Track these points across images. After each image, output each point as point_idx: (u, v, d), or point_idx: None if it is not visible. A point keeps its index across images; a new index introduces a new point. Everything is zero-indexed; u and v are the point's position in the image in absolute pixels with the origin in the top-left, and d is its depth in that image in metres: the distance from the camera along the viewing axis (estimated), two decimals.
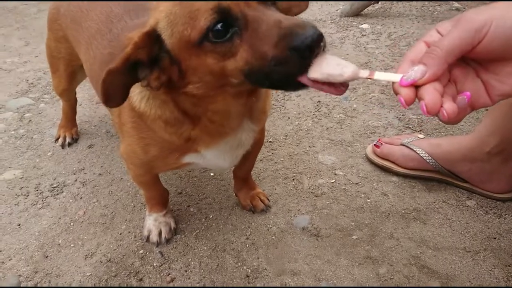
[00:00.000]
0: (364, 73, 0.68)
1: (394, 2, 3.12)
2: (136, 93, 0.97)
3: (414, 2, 3.12)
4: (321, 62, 0.68)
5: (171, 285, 1.24)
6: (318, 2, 3.25)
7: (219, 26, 0.72)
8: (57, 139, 1.86)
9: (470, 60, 0.70)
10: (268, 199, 1.49)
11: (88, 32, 1.33)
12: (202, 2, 0.72)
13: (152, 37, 0.79)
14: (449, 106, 0.64)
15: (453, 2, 3.09)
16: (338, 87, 0.70)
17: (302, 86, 0.71)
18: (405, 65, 0.70)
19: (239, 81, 0.79)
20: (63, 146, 1.83)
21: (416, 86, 0.66)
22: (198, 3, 0.73)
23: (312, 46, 0.67)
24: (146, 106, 0.96)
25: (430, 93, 0.64)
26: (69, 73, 1.59)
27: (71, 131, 1.86)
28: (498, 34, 0.62)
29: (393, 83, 0.68)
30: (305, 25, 0.67)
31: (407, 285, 1.22)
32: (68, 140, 1.84)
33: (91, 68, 1.33)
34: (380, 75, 0.68)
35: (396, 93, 0.68)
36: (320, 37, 0.67)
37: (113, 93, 0.83)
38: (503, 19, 0.61)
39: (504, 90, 0.68)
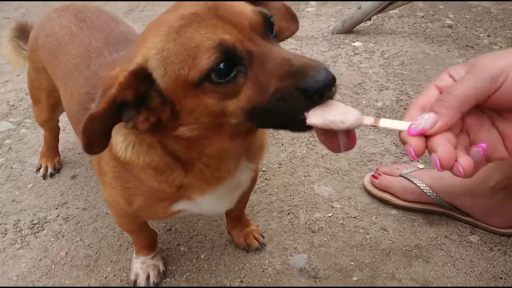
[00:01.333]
0: (369, 121, 0.62)
1: (386, 18, 3.09)
2: (120, 141, 0.87)
3: (407, 18, 3.09)
4: (323, 107, 0.62)
5: None
6: (309, 18, 3.20)
7: (222, 65, 0.65)
8: (38, 169, 1.75)
9: (485, 108, 0.64)
10: (262, 236, 1.41)
11: (65, 67, 1.24)
12: (201, 39, 0.65)
13: (140, 76, 0.69)
14: (464, 161, 0.57)
15: (445, 19, 3.07)
16: (334, 142, 0.65)
17: (309, 127, 0.64)
18: (414, 111, 0.63)
19: (239, 122, 0.71)
20: (44, 176, 1.73)
21: (426, 136, 0.60)
22: (197, 40, 0.65)
23: (322, 91, 0.61)
24: (133, 154, 0.86)
25: (443, 145, 0.58)
26: (50, 104, 1.50)
27: (53, 161, 1.76)
28: None
29: (400, 132, 0.61)
30: (317, 66, 0.62)
31: None
32: (50, 170, 1.74)
33: (68, 106, 1.24)
34: (386, 123, 0.62)
35: (404, 143, 0.61)
36: (332, 82, 0.61)
37: (96, 140, 0.73)
38: None
39: None
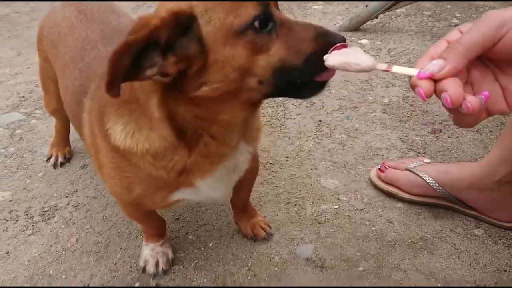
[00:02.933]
0: (382, 66, 0.68)
1: (393, 17, 3.10)
2: (119, 130, 0.87)
3: (414, 17, 3.10)
4: (341, 51, 0.71)
5: None
6: (316, 16, 3.21)
7: (262, 18, 0.73)
8: (48, 159, 1.79)
9: (489, 62, 0.69)
10: (269, 227, 1.44)
11: (63, 59, 1.26)
12: None
13: (182, 20, 0.71)
14: (472, 99, 0.62)
15: (452, 18, 3.08)
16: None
17: (320, 88, 0.78)
18: (424, 60, 0.67)
19: (260, 80, 0.75)
20: (55, 166, 1.76)
21: (435, 81, 0.64)
22: None
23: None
24: (132, 141, 0.86)
25: (452, 85, 0.62)
26: (58, 93, 1.52)
27: (64, 151, 1.79)
28: None
29: (410, 77, 0.66)
30: (333, 32, 0.77)
31: None
32: (60, 159, 1.76)
33: (64, 99, 1.26)
34: (398, 69, 0.67)
35: (413, 87, 0.65)
36: (344, 40, 0.75)
37: (118, 77, 0.68)
38: None
39: None
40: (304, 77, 0.75)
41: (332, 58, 0.70)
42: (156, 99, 0.79)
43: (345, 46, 0.73)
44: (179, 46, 0.72)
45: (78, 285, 1.27)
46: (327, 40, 0.74)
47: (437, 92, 0.64)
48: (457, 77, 0.63)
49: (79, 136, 1.29)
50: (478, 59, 0.66)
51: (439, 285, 1.18)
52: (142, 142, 0.86)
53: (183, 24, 0.71)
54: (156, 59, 0.71)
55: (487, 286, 1.17)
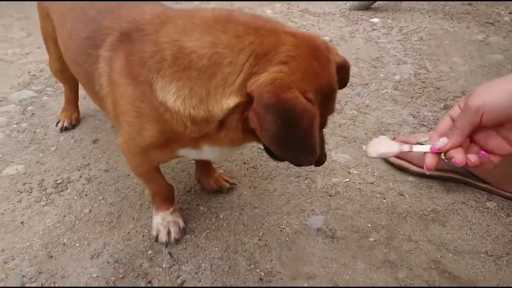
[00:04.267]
0: (406, 148, 0.94)
1: None
2: (172, 92, 0.93)
3: None
4: (375, 142, 0.96)
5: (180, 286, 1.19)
6: None
7: None
8: (57, 123, 1.86)
9: (489, 126, 0.90)
10: (231, 178, 1.53)
11: (62, 9, 1.31)
12: (323, 113, 0.89)
13: None
14: (473, 157, 0.89)
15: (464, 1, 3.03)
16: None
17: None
18: (435, 136, 0.95)
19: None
20: (61, 130, 1.83)
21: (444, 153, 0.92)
22: (324, 111, 0.88)
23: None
24: (181, 105, 0.93)
25: (457, 152, 0.90)
26: (58, 52, 1.54)
27: (71, 117, 1.85)
28: (491, 112, 0.85)
29: (425, 153, 0.94)
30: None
31: None
32: (65, 124, 1.83)
33: (66, 48, 1.31)
34: (418, 148, 0.94)
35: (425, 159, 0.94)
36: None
37: None
38: (491, 103, 0.84)
39: None
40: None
41: (370, 150, 0.95)
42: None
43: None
44: None
45: (92, 253, 1.29)
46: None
47: (447, 158, 0.92)
48: (460, 147, 0.90)
49: (85, 88, 1.33)
50: (480, 127, 0.89)
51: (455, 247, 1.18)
52: (189, 109, 0.92)
53: None
54: None
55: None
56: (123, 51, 1.03)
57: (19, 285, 1.20)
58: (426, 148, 0.92)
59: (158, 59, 0.95)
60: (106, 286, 1.19)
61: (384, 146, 0.93)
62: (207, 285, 1.19)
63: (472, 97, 0.87)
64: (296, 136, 0.81)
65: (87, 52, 1.16)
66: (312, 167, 1.59)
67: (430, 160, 0.93)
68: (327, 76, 0.87)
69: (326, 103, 0.88)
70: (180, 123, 0.97)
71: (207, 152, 1.08)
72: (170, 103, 0.94)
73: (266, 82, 0.81)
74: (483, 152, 0.90)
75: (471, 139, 0.93)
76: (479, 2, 2.93)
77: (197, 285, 1.19)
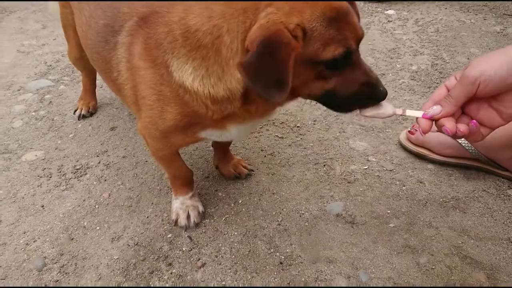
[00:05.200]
0: (399, 111, 0.94)
1: None
2: (189, 72, 0.94)
3: None
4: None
5: (201, 270, 1.19)
6: None
7: (339, 59, 0.85)
8: (75, 110, 1.88)
9: (482, 97, 0.91)
10: (249, 165, 1.53)
11: None
12: (340, 37, 0.84)
13: (299, 33, 0.82)
14: (462, 126, 0.90)
15: None
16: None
17: (346, 112, 1.00)
18: (429, 104, 0.94)
19: (310, 94, 0.93)
20: (79, 118, 1.85)
21: (435, 120, 0.92)
22: (340, 34, 0.84)
23: (381, 100, 0.92)
24: (200, 85, 0.94)
25: (448, 121, 0.91)
26: (78, 40, 1.54)
27: (88, 104, 1.87)
28: (488, 82, 0.85)
29: (417, 118, 0.94)
30: (382, 84, 0.92)
31: (450, 276, 1.16)
32: (83, 112, 1.85)
33: (85, 35, 1.31)
34: (410, 112, 0.94)
35: (419, 124, 0.94)
36: (386, 96, 0.92)
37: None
38: (488, 72, 0.85)
39: (511, 112, 0.90)
40: (341, 104, 0.94)
41: (365, 111, 0.94)
42: None
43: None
44: None
45: (112, 236, 1.29)
46: (372, 91, 0.91)
47: (438, 127, 0.92)
48: (452, 117, 0.91)
49: (102, 75, 1.33)
50: (473, 98, 0.90)
51: (477, 234, 1.16)
52: (208, 88, 0.94)
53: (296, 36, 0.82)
54: None
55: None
56: (141, 35, 1.04)
57: (40, 267, 1.21)
58: (419, 113, 0.93)
59: (170, 39, 0.96)
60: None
61: (378, 107, 0.93)
62: (228, 268, 1.19)
63: (470, 68, 0.87)
64: (269, 66, 0.80)
65: (105, 39, 1.17)
66: (330, 155, 1.58)
67: (425, 124, 0.92)
68: (325, 3, 0.84)
69: (340, 27, 0.84)
70: (201, 104, 0.98)
71: (232, 130, 1.08)
72: (188, 83, 0.95)
73: (255, 29, 0.82)
74: (474, 121, 0.90)
75: (462, 110, 0.93)
76: None
77: (217, 268, 1.19)
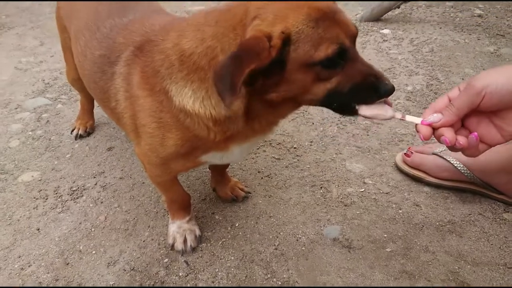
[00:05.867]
0: (398, 115, 0.91)
1: (415, 7, 3.07)
2: (188, 95, 0.95)
3: (435, 8, 3.07)
4: (370, 105, 0.90)
5: None
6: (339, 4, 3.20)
7: (334, 58, 0.84)
8: (72, 130, 1.88)
9: (484, 111, 0.90)
10: (246, 187, 1.53)
11: (77, 25, 1.34)
12: (331, 35, 0.84)
13: (283, 44, 0.82)
14: (462, 139, 0.88)
15: (475, 8, 3.04)
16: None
17: (355, 114, 0.91)
18: (429, 112, 0.92)
19: (313, 98, 0.90)
20: (76, 137, 1.85)
21: (434, 129, 0.89)
22: (328, 34, 0.83)
23: (388, 95, 0.88)
24: (201, 107, 0.95)
25: (448, 131, 0.88)
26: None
27: (86, 124, 1.87)
28: (494, 95, 0.84)
29: (416, 124, 0.91)
30: (387, 78, 0.89)
31: None
32: (80, 132, 1.85)
33: (81, 65, 1.33)
34: (410, 118, 0.92)
35: (418, 131, 0.91)
36: (393, 91, 0.88)
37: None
38: (495, 85, 0.84)
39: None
40: (344, 101, 0.90)
41: (363, 110, 0.89)
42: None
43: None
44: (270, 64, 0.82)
45: (108, 260, 1.29)
46: (375, 82, 0.87)
47: (436, 136, 0.89)
48: (451, 128, 0.89)
49: (100, 104, 1.33)
50: (474, 111, 0.88)
51: (473, 259, 1.17)
52: (209, 109, 0.95)
53: (282, 48, 0.82)
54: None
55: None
56: (138, 65, 1.05)
57: None
58: (418, 120, 0.90)
59: (167, 65, 0.98)
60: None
61: (378, 107, 0.89)
62: None
63: (476, 78, 0.86)
64: (230, 70, 0.79)
65: (102, 70, 1.18)
66: (327, 177, 1.59)
67: (425, 130, 0.89)
68: (308, 5, 0.84)
69: (329, 26, 0.83)
70: (203, 126, 0.98)
71: (235, 151, 1.08)
72: (189, 106, 0.96)
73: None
74: (475, 133, 0.87)
75: (462, 123, 0.91)
76: (489, 14, 2.94)
77: None
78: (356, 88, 0.87)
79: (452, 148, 0.90)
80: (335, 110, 0.94)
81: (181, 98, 0.96)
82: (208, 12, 0.99)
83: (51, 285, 1.22)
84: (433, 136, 0.90)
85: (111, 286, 1.21)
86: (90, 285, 1.22)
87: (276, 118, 1.02)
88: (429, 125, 0.89)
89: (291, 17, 0.83)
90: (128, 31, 1.15)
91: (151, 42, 1.06)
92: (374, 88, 0.87)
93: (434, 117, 0.88)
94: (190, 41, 0.94)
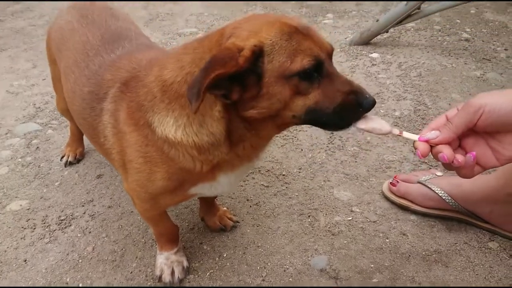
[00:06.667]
0: (396, 131, 0.92)
1: (403, 31, 3.13)
2: (170, 123, 0.96)
3: (423, 31, 3.13)
4: (367, 118, 0.91)
5: None
6: (326, 30, 3.25)
7: (310, 70, 0.86)
8: (62, 157, 1.88)
9: (481, 132, 0.91)
10: (234, 216, 1.53)
11: (66, 62, 1.35)
12: (306, 47, 0.87)
13: (255, 55, 0.85)
14: (460, 156, 0.88)
15: (462, 32, 3.10)
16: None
17: (346, 128, 0.91)
18: (426, 130, 0.93)
19: (295, 115, 0.91)
20: (65, 164, 1.85)
21: (431, 147, 0.90)
22: (303, 46, 0.87)
23: (370, 108, 0.89)
24: (183, 135, 0.96)
25: (446, 148, 0.89)
26: None
27: (76, 151, 1.87)
28: (492, 114, 0.85)
29: (414, 141, 0.92)
30: (367, 91, 0.90)
31: None
32: (70, 159, 1.85)
33: (70, 101, 1.34)
34: (407, 134, 0.92)
35: (415, 148, 0.91)
36: (374, 104, 0.89)
37: (202, 96, 0.82)
38: (494, 104, 0.85)
39: (508, 155, 0.89)
40: (330, 120, 0.91)
41: (361, 123, 0.90)
42: (220, 104, 0.91)
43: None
44: (244, 77, 0.85)
45: None
46: (356, 98, 0.88)
47: (434, 154, 0.90)
48: (448, 145, 0.89)
49: (89, 139, 1.34)
50: (472, 131, 0.90)
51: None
52: (191, 136, 0.96)
53: (255, 60, 0.85)
54: (226, 84, 0.85)
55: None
56: (124, 101, 1.07)
57: None
58: (416, 137, 0.91)
59: (150, 98, 1.00)
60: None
61: (375, 121, 0.90)
62: None
63: (476, 97, 0.88)
64: (198, 76, 0.81)
65: (91, 106, 1.19)
66: (315, 205, 1.60)
67: (423, 147, 0.89)
68: (280, 21, 0.89)
69: (303, 39, 0.87)
70: (187, 157, 0.99)
71: (223, 181, 1.08)
72: (171, 135, 0.97)
73: None
74: (473, 153, 0.89)
75: (459, 144, 0.92)
76: (475, 38, 3.01)
77: None
78: (339, 108, 0.88)
79: (449, 166, 0.90)
80: (325, 127, 0.95)
81: (163, 128, 0.97)
82: (186, 43, 1.02)
83: None
84: (430, 153, 0.91)
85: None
86: None
87: (260, 141, 1.01)
88: (427, 141, 0.89)
89: (264, 31, 0.87)
90: (115, 68, 1.17)
91: (136, 78, 1.08)
92: (357, 105, 0.88)
93: (432, 134, 0.89)
94: (170, 71, 0.97)
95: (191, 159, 1.00)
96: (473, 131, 0.90)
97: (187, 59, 0.95)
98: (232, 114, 0.92)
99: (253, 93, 0.87)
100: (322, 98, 0.89)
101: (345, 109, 0.89)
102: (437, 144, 0.89)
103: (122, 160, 1.10)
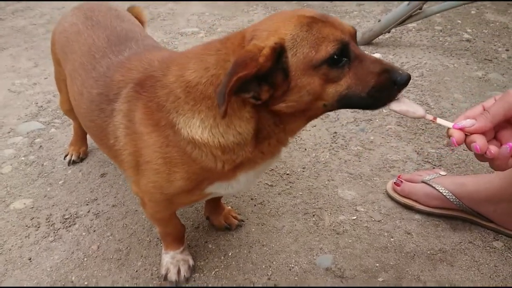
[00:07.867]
0: (429, 117, 0.90)
1: (405, 31, 3.14)
2: (197, 125, 0.96)
3: (425, 32, 3.14)
4: (400, 100, 0.88)
5: None
6: None
7: (337, 55, 0.85)
8: (66, 156, 1.88)
9: None
10: (239, 215, 1.53)
11: (72, 64, 1.34)
12: (328, 33, 0.86)
13: (276, 53, 0.85)
14: (493, 148, 0.85)
15: (463, 33, 3.11)
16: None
17: (385, 105, 0.89)
18: (461, 118, 0.90)
19: (326, 104, 0.90)
20: (68, 163, 1.85)
21: (466, 135, 0.87)
22: (325, 33, 0.86)
23: (406, 83, 0.86)
24: (209, 136, 0.96)
25: (480, 137, 0.86)
26: None
27: (79, 150, 1.87)
28: None
29: (448, 128, 0.89)
30: (399, 67, 0.87)
31: None
32: (73, 158, 1.85)
33: (77, 104, 1.32)
34: (441, 121, 0.90)
35: (449, 135, 0.88)
36: (410, 79, 0.86)
37: (229, 99, 0.83)
38: None
39: None
40: (364, 103, 0.88)
41: (394, 105, 0.88)
42: (250, 105, 0.91)
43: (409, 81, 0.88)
44: (271, 75, 0.86)
45: None
46: (390, 76, 0.85)
47: (467, 143, 0.87)
48: (483, 135, 0.86)
49: (96, 141, 1.33)
50: (508, 123, 0.88)
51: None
52: (218, 137, 0.96)
53: (278, 57, 0.85)
54: (253, 85, 0.86)
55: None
56: (140, 101, 1.06)
57: None
58: (450, 124, 0.88)
59: (173, 99, 0.99)
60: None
61: (409, 105, 0.88)
62: None
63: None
64: (222, 83, 0.83)
65: (100, 108, 1.18)
66: (319, 204, 1.60)
67: (458, 134, 0.86)
68: (297, 15, 0.89)
69: (324, 27, 0.86)
70: (210, 156, 0.99)
71: (242, 180, 1.08)
72: (198, 136, 0.96)
73: None
74: (510, 143, 0.85)
75: (494, 135, 0.89)
76: (477, 39, 3.02)
77: None
78: (374, 90, 0.86)
79: (481, 157, 0.87)
80: (362, 108, 0.93)
81: (190, 129, 0.97)
82: (206, 44, 1.02)
83: None
84: (464, 142, 0.87)
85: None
86: None
87: (286, 135, 1.00)
88: (461, 129, 0.86)
89: (282, 27, 0.87)
90: (125, 69, 1.16)
91: (152, 78, 1.07)
92: (392, 83, 0.85)
93: (467, 122, 0.86)
94: (194, 72, 0.96)
95: (213, 159, 1.00)
96: (510, 124, 0.87)
97: (211, 60, 0.95)
98: (262, 112, 0.92)
99: (283, 89, 0.87)
100: (354, 82, 0.87)
101: (380, 90, 0.86)
102: (472, 133, 0.86)
103: (136, 161, 1.09)
